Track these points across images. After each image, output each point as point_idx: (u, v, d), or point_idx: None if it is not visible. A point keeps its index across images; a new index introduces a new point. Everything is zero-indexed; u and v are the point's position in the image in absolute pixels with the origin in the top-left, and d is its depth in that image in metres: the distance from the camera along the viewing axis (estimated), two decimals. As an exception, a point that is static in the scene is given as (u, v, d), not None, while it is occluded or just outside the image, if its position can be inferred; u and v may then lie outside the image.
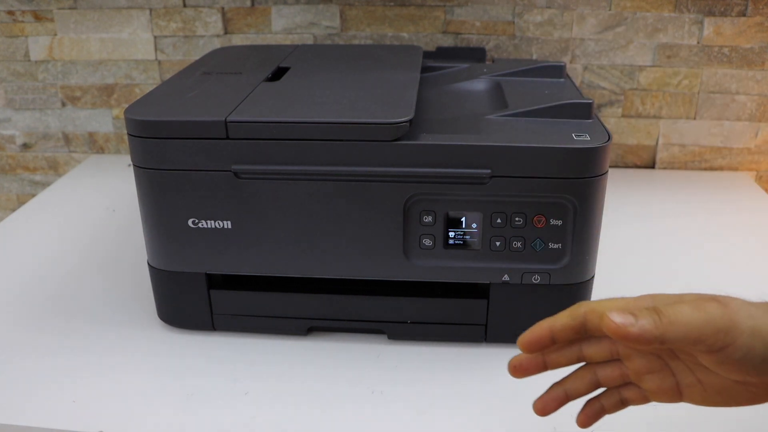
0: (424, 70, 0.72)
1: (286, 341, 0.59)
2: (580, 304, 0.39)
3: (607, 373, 0.41)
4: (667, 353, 0.39)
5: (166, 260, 0.57)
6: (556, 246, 0.54)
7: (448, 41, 0.92)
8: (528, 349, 0.41)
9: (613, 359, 0.41)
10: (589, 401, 0.43)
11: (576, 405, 0.52)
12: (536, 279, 0.55)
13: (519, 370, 0.42)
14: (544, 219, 0.53)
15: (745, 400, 0.38)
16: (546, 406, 0.43)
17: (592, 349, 0.41)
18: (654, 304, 0.36)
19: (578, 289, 0.55)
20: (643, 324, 0.33)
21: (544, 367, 0.42)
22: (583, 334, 0.39)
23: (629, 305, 0.37)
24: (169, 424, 0.50)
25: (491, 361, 0.56)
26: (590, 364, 0.42)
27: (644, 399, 0.41)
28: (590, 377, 0.42)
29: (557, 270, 0.54)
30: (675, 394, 0.40)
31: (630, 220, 0.80)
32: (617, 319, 0.34)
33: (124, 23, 0.95)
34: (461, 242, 0.54)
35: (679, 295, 0.37)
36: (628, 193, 0.88)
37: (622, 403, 0.42)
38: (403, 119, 0.50)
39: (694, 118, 0.93)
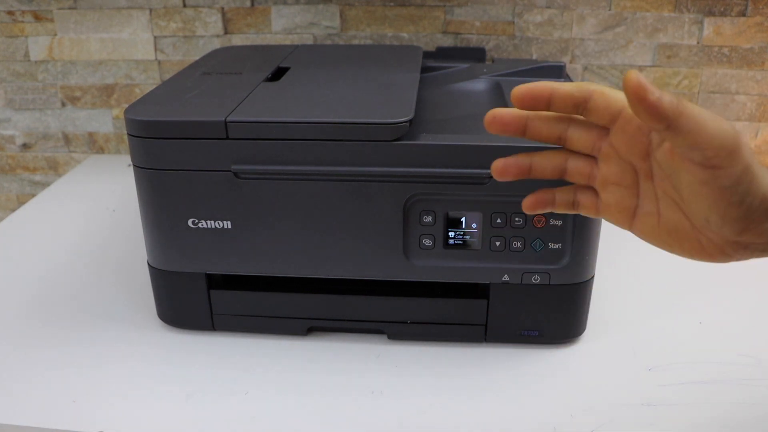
0: (424, 70, 0.72)
1: (286, 341, 0.59)
2: (590, 83, 0.38)
3: (578, 165, 0.40)
4: (644, 171, 0.38)
5: (166, 260, 0.57)
6: (556, 246, 0.54)
7: (448, 41, 0.93)
8: (521, 100, 0.38)
9: (589, 156, 0.40)
10: (543, 189, 0.42)
11: (576, 403, 0.52)
12: (536, 279, 0.55)
13: (497, 121, 0.40)
14: (543, 219, 0.53)
15: (689, 249, 0.38)
16: (507, 167, 0.41)
17: (577, 134, 0.39)
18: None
19: (578, 289, 0.55)
20: (664, 97, 0.31)
21: (522, 130, 0.40)
22: (579, 111, 0.38)
23: None
24: (169, 424, 0.50)
25: (491, 361, 0.56)
26: (565, 150, 0.40)
27: (595, 210, 0.41)
28: (559, 161, 0.40)
29: (557, 270, 0.54)
30: (627, 217, 0.39)
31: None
32: (641, 79, 0.31)
33: (124, 23, 0.95)
34: (461, 242, 0.54)
35: None
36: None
37: (573, 206, 0.41)
38: (403, 119, 0.50)
39: (694, 118, 0.93)
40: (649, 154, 0.37)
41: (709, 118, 0.32)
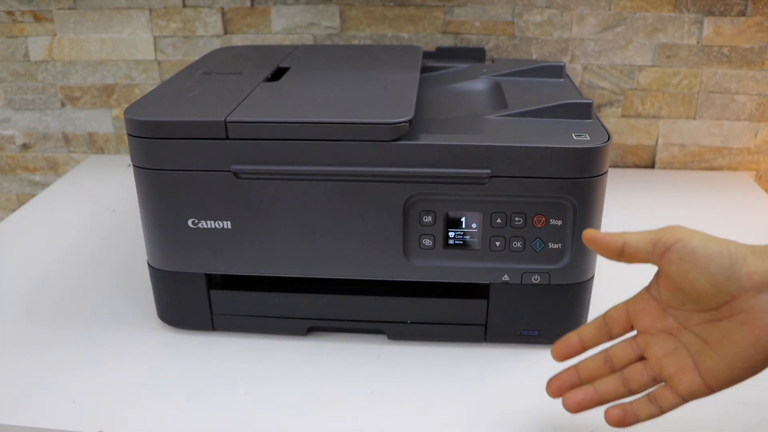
0: (424, 70, 0.72)
1: (286, 341, 0.59)
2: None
3: (634, 372, 0.44)
4: (676, 329, 0.42)
5: (166, 260, 0.57)
6: (555, 246, 0.54)
7: (447, 41, 0.93)
8: (560, 354, 0.45)
9: (636, 360, 0.44)
10: (621, 404, 0.44)
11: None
12: (536, 279, 0.55)
13: (555, 385, 0.45)
14: (543, 219, 0.53)
15: (743, 339, 0.40)
16: (579, 404, 0.45)
17: (616, 349, 0.45)
18: None
19: (578, 289, 0.55)
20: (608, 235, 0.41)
21: (577, 377, 0.45)
22: (607, 333, 0.45)
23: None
24: (169, 424, 0.50)
25: (491, 361, 0.56)
26: (617, 371, 0.45)
27: (675, 397, 0.42)
28: (617, 377, 0.44)
29: (557, 270, 0.54)
30: (694, 371, 0.41)
31: (630, 220, 0.80)
32: (593, 233, 0.42)
33: (123, 23, 0.95)
34: (461, 242, 0.54)
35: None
36: (627, 193, 0.88)
37: (652, 403, 0.43)
38: (402, 119, 0.50)
39: (694, 118, 0.93)
40: (665, 310, 0.43)
41: (644, 233, 0.41)
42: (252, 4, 0.93)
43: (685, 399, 0.42)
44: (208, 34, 0.95)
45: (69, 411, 0.51)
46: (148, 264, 0.59)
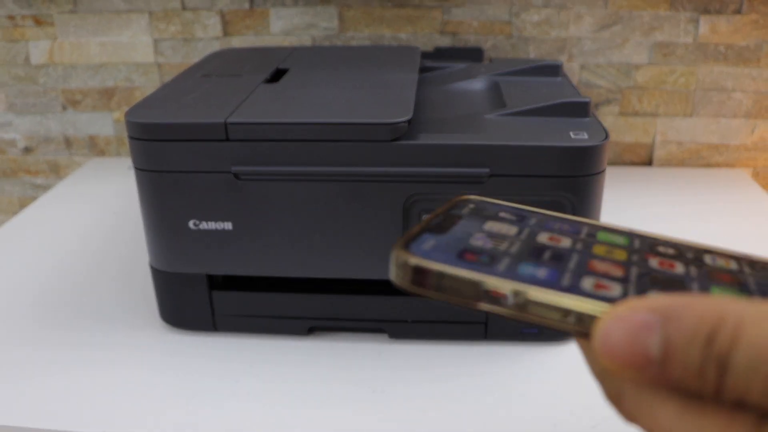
0: (422, 70, 0.72)
1: (288, 341, 0.60)
2: None
3: None
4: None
5: (168, 262, 0.57)
6: (554, 244, 0.54)
7: (445, 41, 0.93)
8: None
9: None
10: None
11: (576, 400, 0.52)
12: (535, 276, 0.55)
13: None
14: (542, 217, 0.53)
15: None
16: None
17: None
18: None
19: (577, 286, 0.56)
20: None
21: None
22: None
23: None
24: (171, 424, 0.50)
25: (492, 359, 0.57)
26: None
27: None
28: None
29: (556, 267, 0.55)
30: None
31: (628, 218, 0.81)
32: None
33: (123, 27, 0.96)
34: (460, 241, 0.55)
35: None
36: (625, 190, 0.89)
37: None
38: (401, 119, 0.50)
39: (691, 116, 0.94)
40: None
41: None
42: (251, 6, 0.94)
43: None
44: (207, 37, 0.96)
45: (71, 411, 0.52)
46: (150, 266, 0.59)
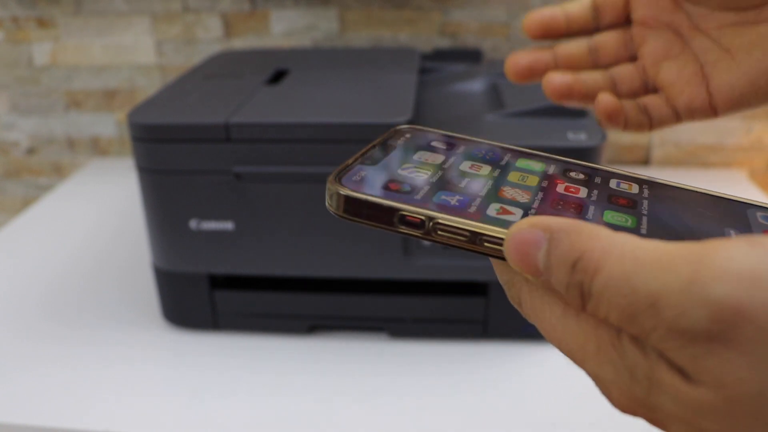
0: (422, 71, 0.73)
1: (289, 340, 0.60)
2: None
3: (623, 73, 0.35)
4: (687, 28, 0.33)
5: (170, 261, 0.58)
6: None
7: (444, 43, 0.94)
8: (535, 26, 0.35)
9: (627, 60, 0.35)
10: (612, 98, 0.35)
11: (575, 398, 0.53)
12: (533, 275, 0.55)
13: (520, 67, 0.35)
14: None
15: None
16: (559, 91, 0.35)
17: (604, 38, 0.35)
18: None
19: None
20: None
21: (553, 61, 0.36)
22: (594, 18, 0.35)
23: None
24: (173, 421, 0.51)
25: (491, 357, 0.57)
26: (602, 67, 0.36)
27: (669, 111, 0.34)
28: (603, 74, 0.35)
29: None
30: (700, 84, 0.33)
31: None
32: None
33: (125, 29, 0.97)
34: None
35: None
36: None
37: (644, 113, 0.35)
38: (401, 120, 0.51)
39: (690, 117, 0.94)
40: (678, 3, 0.34)
41: None
42: (252, 8, 0.94)
43: (680, 117, 0.34)
44: (208, 38, 0.96)
45: (74, 409, 0.52)
46: (152, 265, 0.60)
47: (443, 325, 0.59)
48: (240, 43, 0.96)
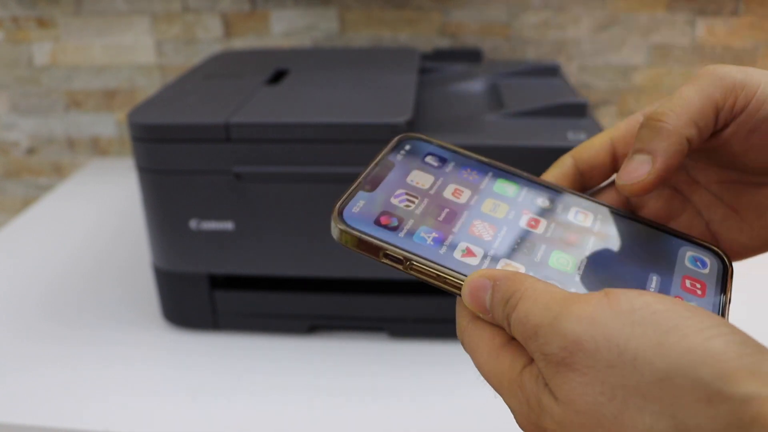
0: (422, 71, 0.73)
1: (289, 340, 0.60)
2: (564, 156, 0.33)
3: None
4: (684, 183, 0.31)
5: (170, 261, 0.58)
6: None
7: (444, 43, 0.94)
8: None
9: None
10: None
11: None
12: (533, 275, 0.56)
13: None
14: (539, 216, 0.54)
15: None
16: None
17: (599, 197, 0.32)
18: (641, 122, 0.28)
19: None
20: (644, 169, 0.27)
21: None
22: (579, 181, 0.32)
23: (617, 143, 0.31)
24: (173, 422, 0.51)
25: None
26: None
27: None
28: None
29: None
30: (708, 240, 0.31)
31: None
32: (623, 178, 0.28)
33: (125, 29, 0.97)
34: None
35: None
36: (624, 191, 0.89)
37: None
38: (401, 120, 0.51)
39: (689, 117, 0.94)
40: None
41: (689, 91, 0.28)
42: (252, 8, 0.94)
43: None
44: (208, 38, 0.96)
45: (74, 409, 0.52)
46: (152, 265, 0.60)
47: (443, 325, 0.59)
48: (240, 43, 0.96)
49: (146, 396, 0.54)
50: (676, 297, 0.26)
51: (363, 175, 0.30)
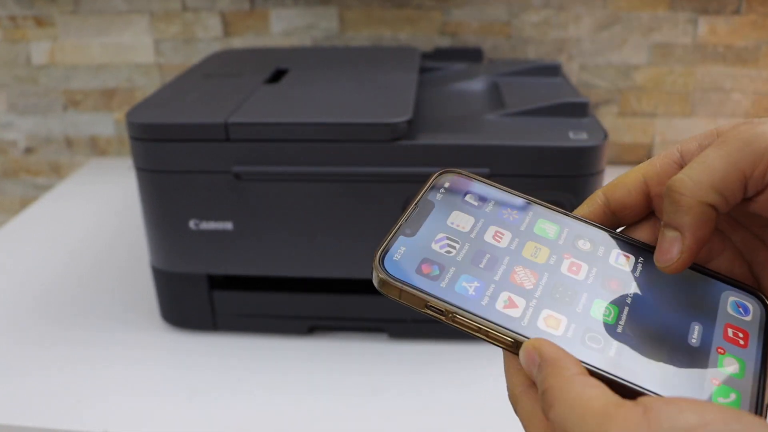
0: (422, 70, 0.72)
1: (288, 341, 0.60)
2: (596, 194, 0.31)
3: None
4: (724, 221, 0.29)
5: (169, 262, 0.58)
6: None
7: (445, 42, 0.93)
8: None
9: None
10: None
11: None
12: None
13: None
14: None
15: None
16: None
17: (635, 234, 0.31)
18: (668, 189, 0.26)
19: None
20: (674, 252, 0.26)
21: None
22: (614, 222, 0.31)
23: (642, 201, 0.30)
24: (172, 423, 0.51)
25: (491, 358, 0.57)
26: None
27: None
28: None
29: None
30: (750, 282, 0.29)
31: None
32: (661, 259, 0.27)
33: (124, 28, 0.96)
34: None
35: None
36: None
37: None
38: (401, 119, 0.51)
39: (690, 116, 0.94)
40: None
41: (714, 159, 0.26)
42: (251, 7, 0.94)
43: None
44: (207, 37, 0.96)
45: (73, 410, 0.52)
46: (151, 265, 0.59)
47: (443, 327, 0.58)
48: (239, 42, 0.96)
49: (145, 397, 0.53)
50: (718, 348, 0.26)
51: (404, 217, 0.29)
